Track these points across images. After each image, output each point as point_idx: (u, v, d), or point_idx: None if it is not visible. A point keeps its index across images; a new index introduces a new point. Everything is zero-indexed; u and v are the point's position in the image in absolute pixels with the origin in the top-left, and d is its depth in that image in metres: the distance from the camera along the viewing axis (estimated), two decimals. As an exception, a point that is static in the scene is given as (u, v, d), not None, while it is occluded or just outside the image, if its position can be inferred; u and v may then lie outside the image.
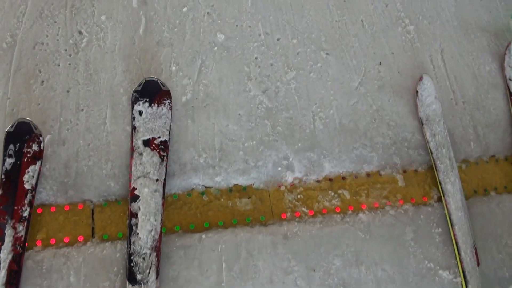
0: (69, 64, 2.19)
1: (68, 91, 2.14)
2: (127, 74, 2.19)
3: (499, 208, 2.17)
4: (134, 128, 2.01)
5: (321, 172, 2.11)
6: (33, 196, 1.86)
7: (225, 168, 2.06)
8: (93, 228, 1.94)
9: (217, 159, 2.08)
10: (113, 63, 2.21)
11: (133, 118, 2.03)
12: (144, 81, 2.08)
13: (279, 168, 2.09)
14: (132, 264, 1.79)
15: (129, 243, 1.81)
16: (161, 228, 1.86)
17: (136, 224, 1.83)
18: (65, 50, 2.22)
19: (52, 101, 2.11)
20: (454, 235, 2.02)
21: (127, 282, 1.77)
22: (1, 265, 1.69)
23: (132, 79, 2.15)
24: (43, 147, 1.96)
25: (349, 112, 2.24)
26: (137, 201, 1.87)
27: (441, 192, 2.10)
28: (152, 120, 2.02)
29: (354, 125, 2.22)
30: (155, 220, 1.85)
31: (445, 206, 2.08)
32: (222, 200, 2.02)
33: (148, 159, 1.94)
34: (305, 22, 2.42)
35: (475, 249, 2.03)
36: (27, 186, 1.86)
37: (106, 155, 2.04)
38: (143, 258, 1.79)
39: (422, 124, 2.23)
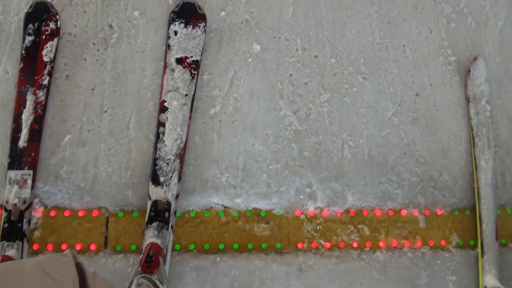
0: (96, 60, 2.10)
1: (93, 89, 2.06)
2: (156, 77, 2.10)
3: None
4: (168, 46, 2.09)
5: (344, 204, 2.06)
6: (52, 68, 2.02)
7: (247, 190, 2.01)
8: (106, 238, 1.90)
9: (239, 179, 2.02)
10: (143, 64, 2.12)
11: (168, 37, 2.11)
12: (181, 2, 2.14)
13: (301, 196, 2.03)
14: (156, 167, 1.89)
15: (155, 149, 1.92)
16: (186, 138, 1.97)
17: (163, 133, 1.94)
18: (94, 44, 2.13)
19: (75, 98, 2.04)
20: (479, 208, 2.10)
21: (151, 183, 1.86)
22: (24, 124, 1.91)
23: (161, 84, 2.06)
24: (59, 25, 2.10)
25: (379, 144, 2.16)
26: (166, 112, 1.97)
27: (474, 166, 2.19)
28: (186, 40, 2.09)
29: (383, 158, 2.14)
30: (181, 131, 1.95)
31: (475, 180, 2.16)
32: (239, 222, 1.97)
33: (180, 75, 2.03)
34: (345, 41, 2.30)
35: (496, 225, 2.07)
36: (46, 59, 2.01)
37: (126, 162, 1.98)
38: (167, 163, 1.89)
39: (468, 101, 2.30)
